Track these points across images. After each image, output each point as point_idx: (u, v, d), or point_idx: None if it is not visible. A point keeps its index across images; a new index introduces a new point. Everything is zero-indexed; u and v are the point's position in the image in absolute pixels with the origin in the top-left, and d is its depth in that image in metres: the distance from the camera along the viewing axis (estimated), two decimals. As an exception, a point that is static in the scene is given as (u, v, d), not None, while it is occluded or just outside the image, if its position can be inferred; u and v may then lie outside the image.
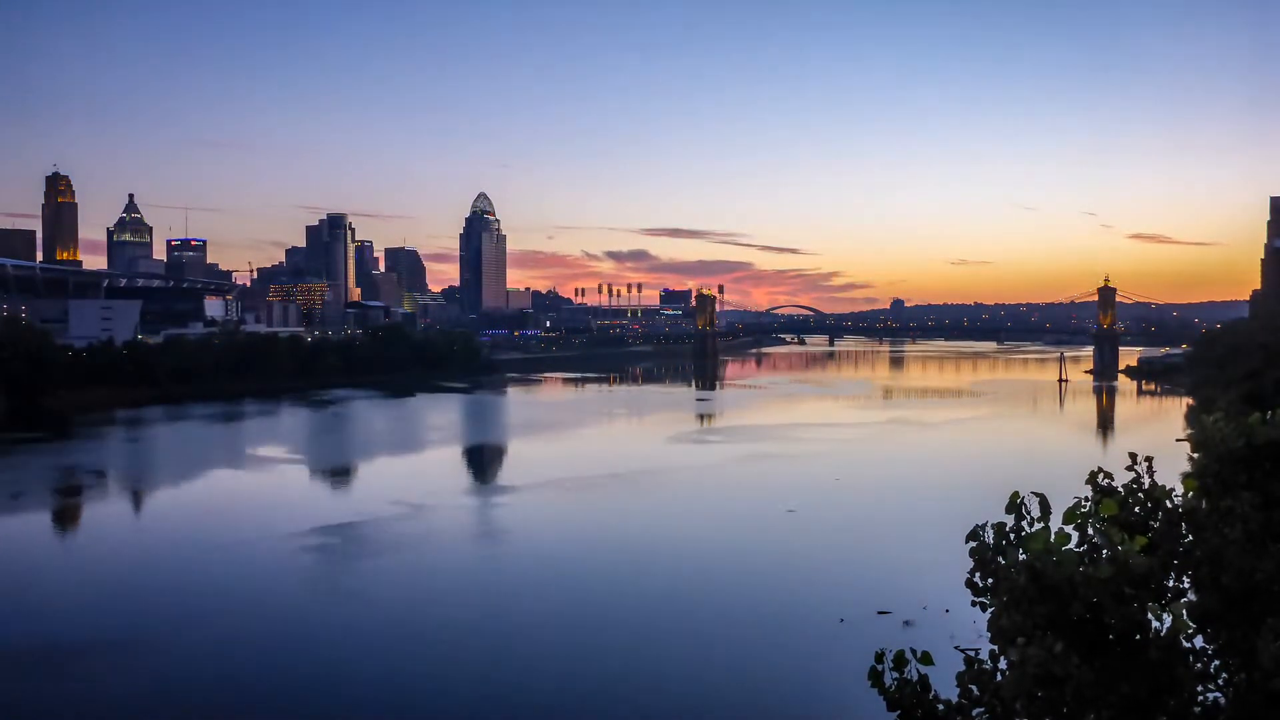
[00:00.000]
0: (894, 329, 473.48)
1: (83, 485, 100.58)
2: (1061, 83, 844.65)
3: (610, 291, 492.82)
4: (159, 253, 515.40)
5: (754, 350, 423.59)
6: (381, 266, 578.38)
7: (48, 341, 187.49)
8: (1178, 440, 11.66)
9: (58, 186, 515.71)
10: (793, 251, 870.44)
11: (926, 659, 8.81)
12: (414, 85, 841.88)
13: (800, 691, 43.75)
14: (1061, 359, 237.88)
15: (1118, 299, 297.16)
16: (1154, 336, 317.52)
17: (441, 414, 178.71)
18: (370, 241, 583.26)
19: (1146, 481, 9.44)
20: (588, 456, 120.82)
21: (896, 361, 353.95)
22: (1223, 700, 8.91)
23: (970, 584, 8.70)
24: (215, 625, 52.72)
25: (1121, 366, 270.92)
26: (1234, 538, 9.22)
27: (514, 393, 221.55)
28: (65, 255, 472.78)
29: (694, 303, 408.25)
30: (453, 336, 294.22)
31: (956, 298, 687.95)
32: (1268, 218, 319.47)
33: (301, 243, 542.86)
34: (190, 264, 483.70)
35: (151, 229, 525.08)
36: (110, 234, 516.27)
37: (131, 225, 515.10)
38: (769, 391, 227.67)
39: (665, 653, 48.39)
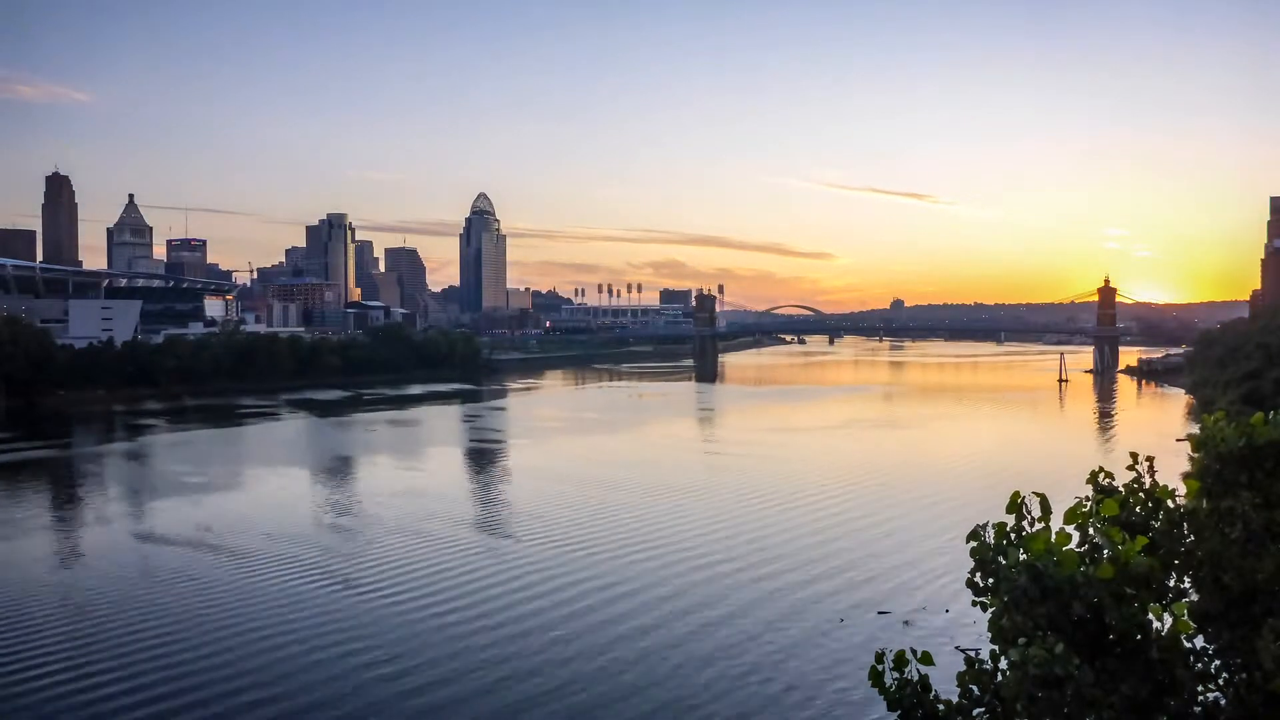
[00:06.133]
0: (894, 329, 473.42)
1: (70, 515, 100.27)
2: (1060, 82, 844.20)
3: (610, 291, 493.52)
4: (159, 253, 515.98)
5: (754, 350, 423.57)
6: (381, 266, 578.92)
7: (48, 341, 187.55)
8: (1178, 440, 11.66)
9: (58, 187, 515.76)
10: (793, 253, 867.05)
11: (927, 659, 8.81)
12: (415, 85, 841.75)
13: (801, 690, 43.73)
14: (1061, 359, 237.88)
15: (1118, 299, 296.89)
16: (1154, 336, 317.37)
17: (441, 414, 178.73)
18: (370, 241, 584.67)
19: (1147, 482, 9.44)
20: (586, 458, 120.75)
21: (896, 362, 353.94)
22: (1223, 700, 8.91)
23: (971, 584, 8.71)
24: (212, 625, 52.75)
25: (1121, 367, 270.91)
26: (1235, 538, 9.23)
27: (514, 393, 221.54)
28: (65, 256, 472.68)
29: (694, 303, 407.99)
30: (452, 337, 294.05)
31: (956, 298, 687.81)
32: (1268, 218, 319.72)
33: (301, 243, 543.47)
34: (190, 264, 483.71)
35: (151, 229, 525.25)
36: (110, 234, 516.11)
37: (131, 225, 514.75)
38: (769, 392, 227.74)
39: (665, 652, 48.35)
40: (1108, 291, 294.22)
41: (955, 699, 8.67)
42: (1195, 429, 9.86)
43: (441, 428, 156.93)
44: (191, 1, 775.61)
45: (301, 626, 52.68)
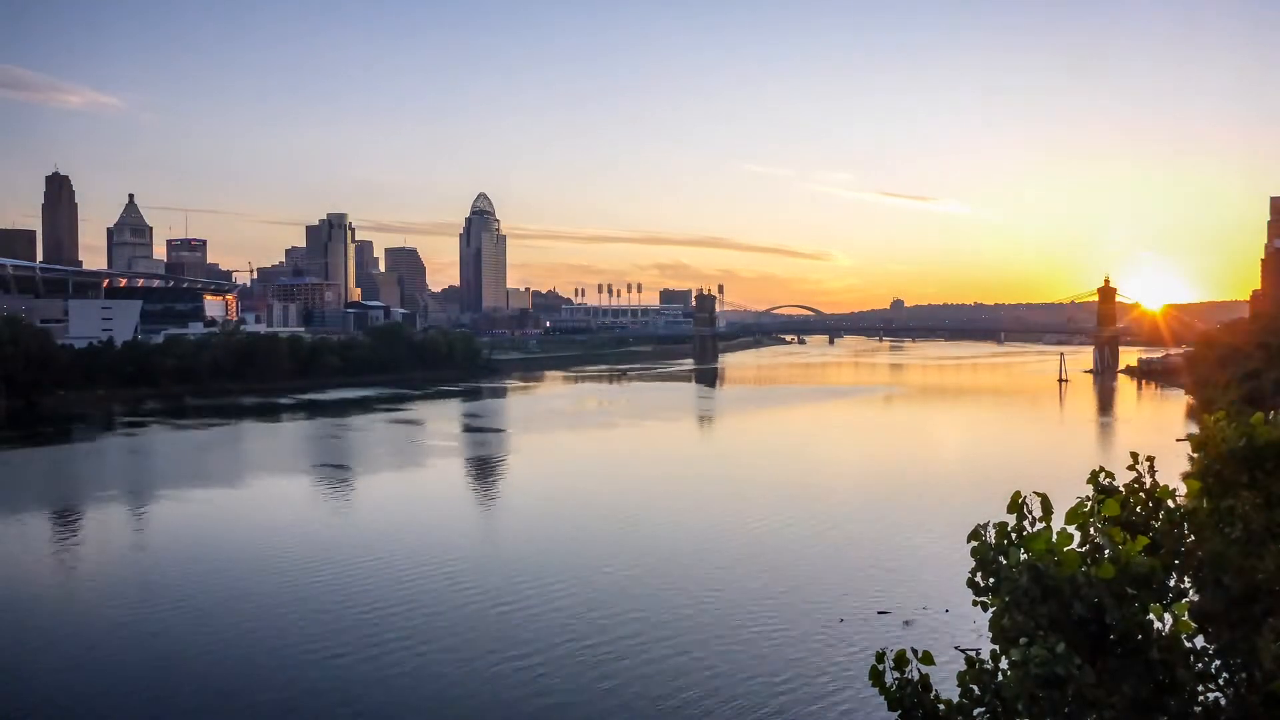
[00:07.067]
0: (894, 329, 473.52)
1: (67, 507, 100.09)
2: (1060, 82, 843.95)
3: (610, 291, 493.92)
4: (159, 253, 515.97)
5: (754, 351, 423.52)
6: (381, 266, 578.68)
7: (48, 341, 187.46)
8: (1178, 440, 11.67)
9: (58, 187, 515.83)
10: (795, 254, 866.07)
11: (928, 659, 8.82)
12: (415, 85, 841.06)
13: (801, 690, 43.73)
14: (1062, 359, 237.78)
15: (1117, 299, 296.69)
16: (1154, 336, 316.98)
17: (441, 415, 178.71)
18: (370, 241, 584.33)
19: (1148, 481, 9.45)
20: (587, 459, 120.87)
21: (896, 363, 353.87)
22: (1223, 700, 8.92)
23: (972, 584, 8.72)
24: (211, 632, 52.79)
25: (1121, 367, 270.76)
26: (1235, 538, 9.24)
27: (513, 394, 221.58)
28: (65, 256, 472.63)
29: (694, 303, 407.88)
30: (452, 337, 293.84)
31: (956, 298, 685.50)
32: (1268, 218, 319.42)
33: (301, 243, 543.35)
34: (190, 264, 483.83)
35: (151, 229, 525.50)
36: (110, 234, 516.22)
37: (131, 225, 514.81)
38: (769, 393, 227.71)
39: (666, 652, 48.35)
40: (1108, 291, 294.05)
41: (956, 699, 8.67)
42: (1195, 429, 9.87)
43: (439, 430, 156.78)
44: (191, 2, 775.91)
45: (288, 633, 52.70)
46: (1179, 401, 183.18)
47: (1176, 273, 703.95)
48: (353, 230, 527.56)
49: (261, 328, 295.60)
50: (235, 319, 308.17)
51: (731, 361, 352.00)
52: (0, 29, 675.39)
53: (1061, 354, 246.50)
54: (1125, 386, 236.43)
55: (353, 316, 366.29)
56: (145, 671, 46.46)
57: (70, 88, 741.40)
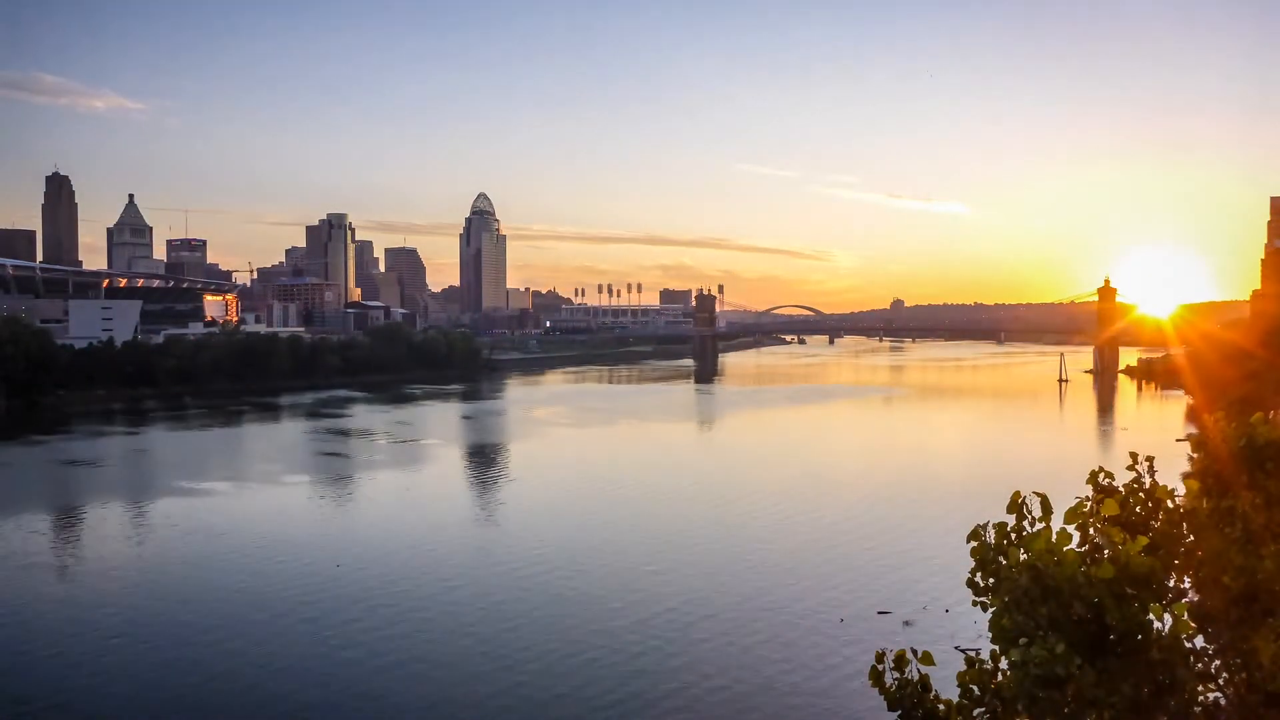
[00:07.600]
0: (894, 329, 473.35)
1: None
2: (1060, 83, 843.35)
3: (611, 291, 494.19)
4: (159, 253, 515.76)
5: (754, 351, 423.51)
6: (381, 267, 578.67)
7: (48, 341, 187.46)
8: (1178, 440, 11.68)
9: (58, 187, 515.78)
10: (796, 254, 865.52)
11: (927, 659, 8.83)
12: (415, 85, 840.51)
13: (801, 691, 43.74)
14: (1062, 359, 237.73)
15: (1117, 299, 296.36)
16: (1154, 337, 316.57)
17: (441, 416, 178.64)
18: (370, 241, 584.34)
19: (1147, 481, 9.46)
20: (586, 459, 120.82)
21: (896, 364, 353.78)
22: (1223, 700, 8.92)
23: (971, 584, 8.72)
24: (211, 629, 52.80)
25: (1122, 367, 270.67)
26: (1235, 538, 9.24)
27: (512, 395, 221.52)
28: (65, 256, 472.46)
29: (694, 303, 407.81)
30: (452, 337, 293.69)
31: (956, 298, 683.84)
32: (1268, 218, 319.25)
33: (301, 243, 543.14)
34: (190, 264, 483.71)
35: (151, 229, 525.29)
36: (110, 234, 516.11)
37: (131, 225, 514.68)
38: (768, 394, 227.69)
39: (667, 652, 48.38)
40: (1107, 292, 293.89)
41: (955, 699, 8.68)
42: (1195, 429, 9.90)
43: (438, 430, 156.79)
44: (192, 4, 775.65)
45: (287, 632, 52.72)
46: (1179, 402, 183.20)
47: (1176, 273, 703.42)
48: (353, 230, 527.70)
49: (261, 328, 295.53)
50: (235, 319, 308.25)
51: (731, 361, 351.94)
52: (11, 33, 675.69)
53: (1061, 354, 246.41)
54: (1125, 387, 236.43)
55: (353, 317, 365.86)
56: (144, 671, 46.49)
57: (72, 87, 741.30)
